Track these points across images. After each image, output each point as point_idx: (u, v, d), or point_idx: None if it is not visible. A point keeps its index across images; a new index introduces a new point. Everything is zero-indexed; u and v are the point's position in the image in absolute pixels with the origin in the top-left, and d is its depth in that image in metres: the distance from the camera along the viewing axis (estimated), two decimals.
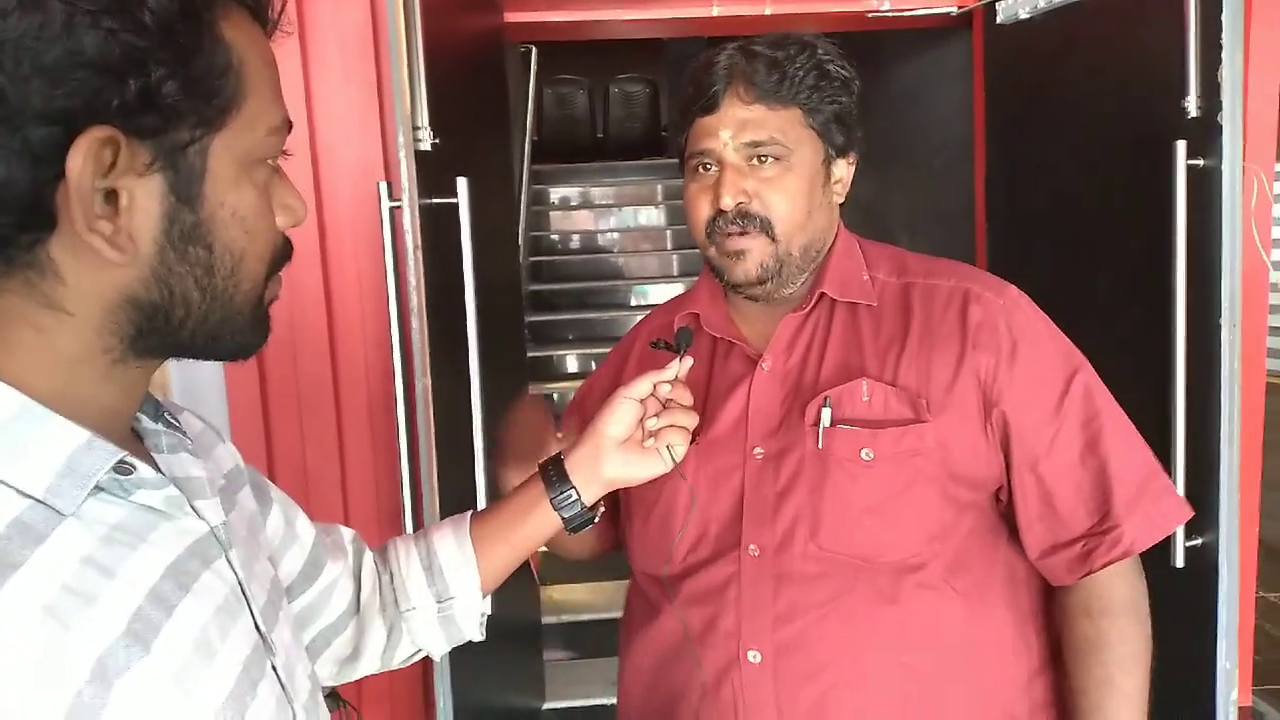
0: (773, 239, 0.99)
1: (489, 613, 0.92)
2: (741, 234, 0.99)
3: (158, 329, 0.56)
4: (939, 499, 0.97)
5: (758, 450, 1.00)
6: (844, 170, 1.06)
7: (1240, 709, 2.14)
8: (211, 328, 0.58)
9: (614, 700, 1.14)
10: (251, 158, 0.57)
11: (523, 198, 5.14)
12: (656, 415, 0.90)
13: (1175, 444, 1.81)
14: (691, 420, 0.91)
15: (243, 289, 0.58)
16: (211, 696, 0.55)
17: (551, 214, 6.17)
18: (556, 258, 5.82)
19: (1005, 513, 1.04)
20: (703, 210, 1.01)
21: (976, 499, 1.01)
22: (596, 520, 0.91)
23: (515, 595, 2.32)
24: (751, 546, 0.98)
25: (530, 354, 4.55)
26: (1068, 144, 2.15)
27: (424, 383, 1.78)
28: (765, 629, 0.96)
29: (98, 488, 0.53)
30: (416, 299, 1.77)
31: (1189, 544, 1.84)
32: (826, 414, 0.97)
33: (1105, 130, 2.03)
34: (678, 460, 0.90)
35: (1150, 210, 1.84)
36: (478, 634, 0.92)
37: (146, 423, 0.64)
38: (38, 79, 0.48)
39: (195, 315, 0.57)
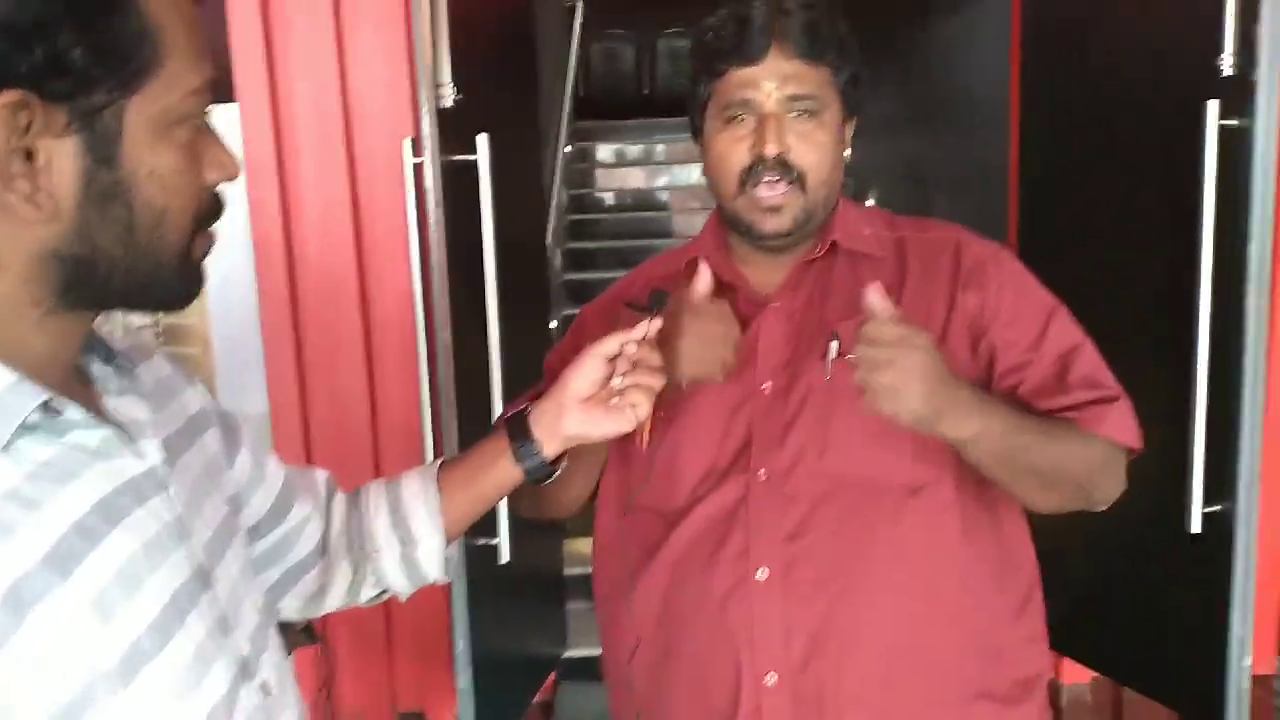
0: (804, 190, 1.03)
1: (452, 556, 0.96)
2: (777, 184, 1.02)
3: (84, 282, 0.60)
4: None
5: (766, 384, 1.04)
6: (849, 133, 1.10)
7: (1257, 677, 2.13)
8: (139, 280, 0.61)
9: None
10: (171, 118, 0.60)
11: (559, 155, 5.13)
12: (624, 375, 0.92)
13: (1196, 408, 1.79)
14: (658, 381, 0.93)
15: (166, 244, 0.61)
16: (131, 623, 0.59)
17: (596, 171, 6.15)
18: (601, 215, 5.81)
19: None
20: (738, 158, 1.03)
21: None
22: (558, 474, 0.94)
23: (537, 546, 2.38)
24: (761, 471, 1.02)
25: (568, 312, 4.58)
26: (1102, 103, 2.10)
27: (444, 337, 1.83)
28: (775, 546, 1.00)
29: (32, 427, 0.57)
30: (438, 254, 1.81)
31: (1207, 510, 1.82)
32: (834, 347, 1.00)
33: (1139, 89, 1.99)
34: (640, 419, 0.92)
35: (1182, 171, 1.81)
36: (441, 576, 0.96)
37: (97, 367, 0.68)
38: None
39: (120, 269, 0.60)
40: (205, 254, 0.65)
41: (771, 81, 1.00)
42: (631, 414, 0.92)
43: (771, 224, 1.03)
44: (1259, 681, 2.08)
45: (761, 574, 1.00)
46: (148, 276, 0.61)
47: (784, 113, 1.01)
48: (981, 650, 1.03)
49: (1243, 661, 1.80)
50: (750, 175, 1.02)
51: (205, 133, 0.64)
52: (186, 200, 0.62)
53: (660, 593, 1.08)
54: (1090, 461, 1.01)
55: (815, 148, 1.02)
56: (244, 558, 0.75)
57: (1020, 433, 0.96)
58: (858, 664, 0.99)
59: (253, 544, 0.84)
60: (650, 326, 0.93)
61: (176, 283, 0.64)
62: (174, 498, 0.65)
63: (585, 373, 0.92)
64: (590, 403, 0.93)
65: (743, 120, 1.02)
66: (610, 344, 0.93)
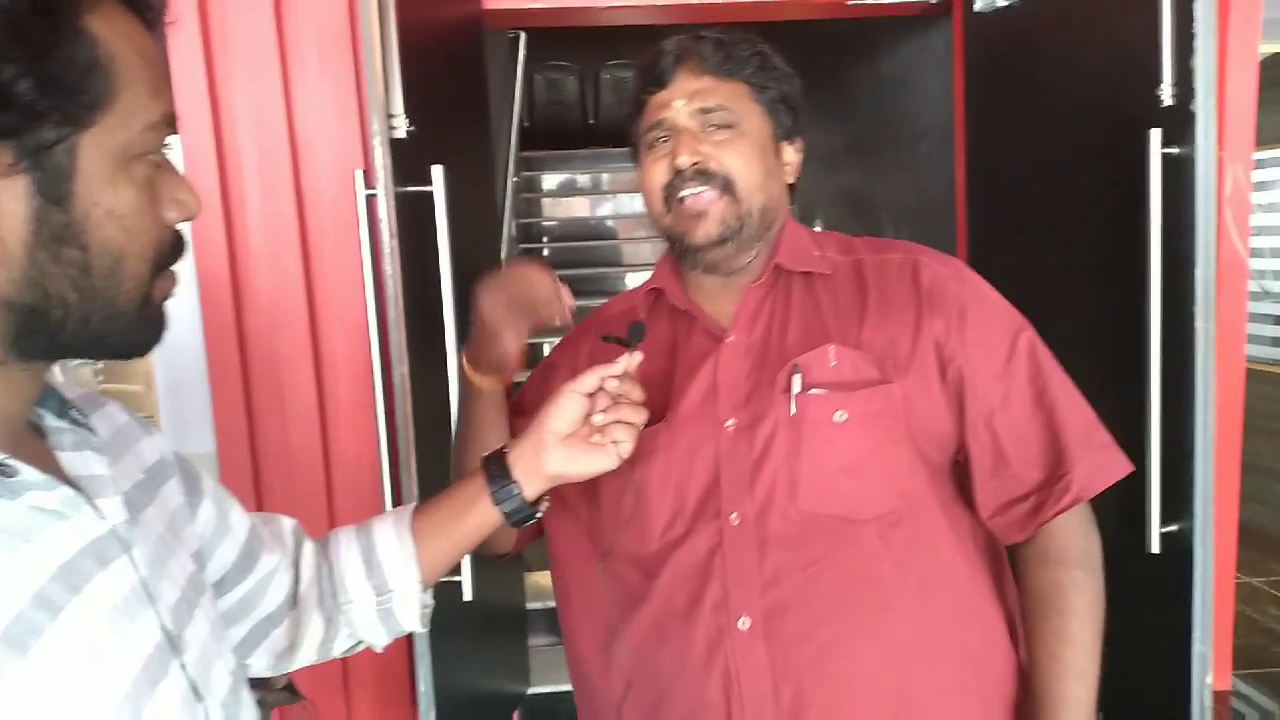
0: (735, 197, 1.02)
1: (431, 605, 0.92)
2: (702, 193, 1.01)
3: (36, 330, 0.55)
4: (908, 457, 1.00)
5: (730, 422, 1.01)
6: (792, 155, 1.09)
7: (1217, 693, 2.16)
8: (94, 329, 0.57)
9: None
10: (128, 154, 0.56)
11: (509, 184, 5.12)
12: (604, 410, 0.90)
13: (1150, 430, 1.82)
14: (640, 416, 0.91)
15: (125, 288, 0.57)
16: (101, 698, 0.54)
17: (543, 200, 6.15)
18: (548, 245, 5.80)
19: (961, 476, 1.06)
20: (659, 175, 1.03)
21: (942, 460, 1.04)
22: (540, 515, 0.91)
23: (499, 581, 2.33)
24: (733, 515, 0.98)
25: None
26: (1045, 132, 2.15)
27: (401, 370, 1.79)
28: (754, 595, 0.97)
29: None
30: (393, 287, 1.77)
31: (1164, 530, 1.85)
32: (798, 380, 0.99)
33: (1082, 118, 2.04)
34: (624, 456, 0.90)
35: (1127, 198, 1.85)
36: (419, 626, 0.92)
37: (50, 420, 0.63)
38: None
39: (74, 317, 0.56)
40: (167, 297, 0.61)
41: (680, 99, 1.02)
42: (614, 451, 0.89)
43: (700, 231, 1.02)
44: (1218, 698, 2.10)
45: (743, 623, 0.97)
46: (105, 324, 0.57)
47: (697, 127, 1.02)
48: (975, 680, 1.01)
49: (1205, 679, 1.82)
50: (672, 189, 1.02)
51: (164, 168, 0.60)
52: (146, 241, 0.58)
53: (643, 643, 1.04)
54: (1097, 579, 1.03)
55: (735, 154, 1.02)
56: (213, 617, 0.70)
57: (1095, 663, 1.00)
58: (849, 712, 0.96)
59: (218, 599, 0.79)
60: (631, 360, 0.91)
61: (137, 329, 0.59)
62: (138, 558, 0.61)
63: (565, 410, 0.90)
64: (571, 440, 0.90)
65: (664, 141, 1.04)
66: (589, 380, 0.90)
